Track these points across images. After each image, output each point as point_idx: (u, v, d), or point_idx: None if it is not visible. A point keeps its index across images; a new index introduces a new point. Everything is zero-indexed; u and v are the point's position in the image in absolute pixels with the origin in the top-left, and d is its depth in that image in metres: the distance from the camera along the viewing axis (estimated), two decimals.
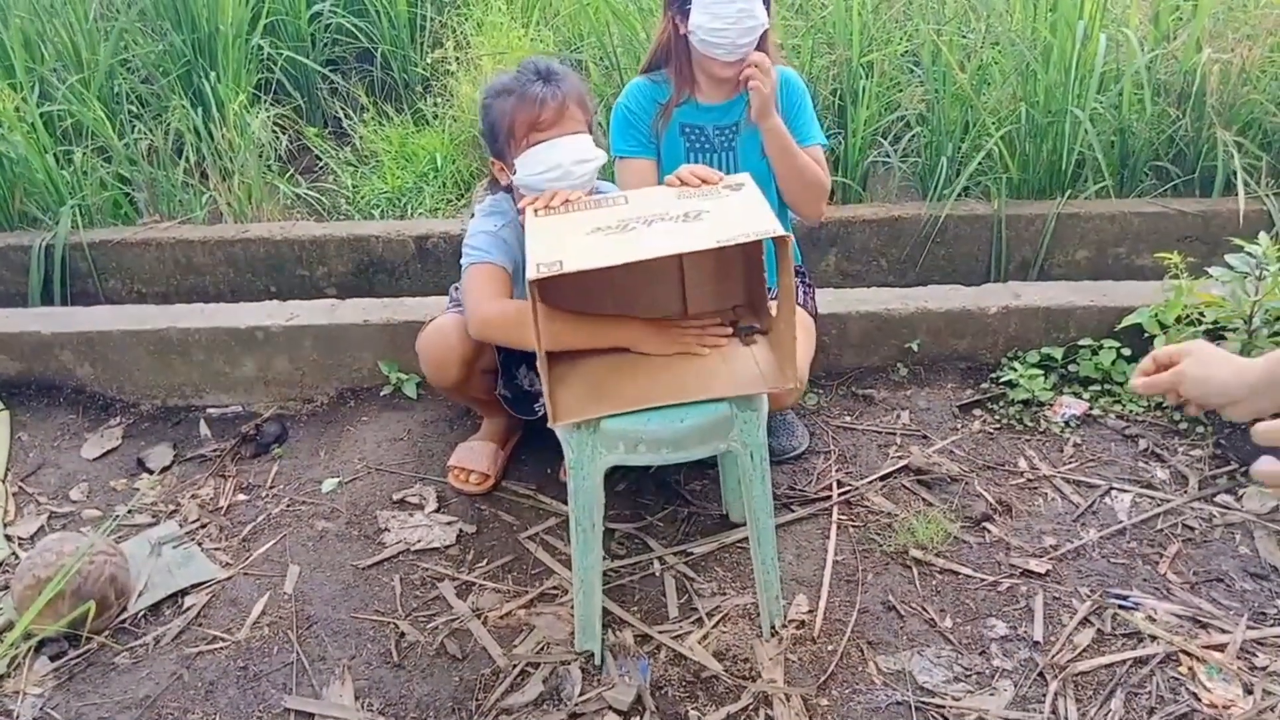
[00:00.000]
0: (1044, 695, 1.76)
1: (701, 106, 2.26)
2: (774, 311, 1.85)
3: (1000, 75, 3.27)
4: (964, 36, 3.40)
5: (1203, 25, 3.20)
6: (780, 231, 1.58)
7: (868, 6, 3.45)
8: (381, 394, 2.68)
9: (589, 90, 2.04)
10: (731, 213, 1.69)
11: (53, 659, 1.93)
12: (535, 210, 1.80)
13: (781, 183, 2.24)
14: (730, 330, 1.86)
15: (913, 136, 3.36)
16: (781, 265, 1.67)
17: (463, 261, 2.02)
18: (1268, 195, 3.00)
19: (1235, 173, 2.98)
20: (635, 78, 2.34)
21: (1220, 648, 1.83)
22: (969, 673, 1.82)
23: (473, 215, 2.16)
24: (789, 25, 3.50)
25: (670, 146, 2.29)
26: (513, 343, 1.98)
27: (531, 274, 1.51)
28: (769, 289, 2.22)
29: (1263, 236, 2.26)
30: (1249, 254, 2.25)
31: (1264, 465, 1.06)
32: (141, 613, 2.04)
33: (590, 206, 1.79)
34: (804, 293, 2.39)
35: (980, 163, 3.15)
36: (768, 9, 2.12)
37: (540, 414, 2.35)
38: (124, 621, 2.02)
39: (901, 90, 3.39)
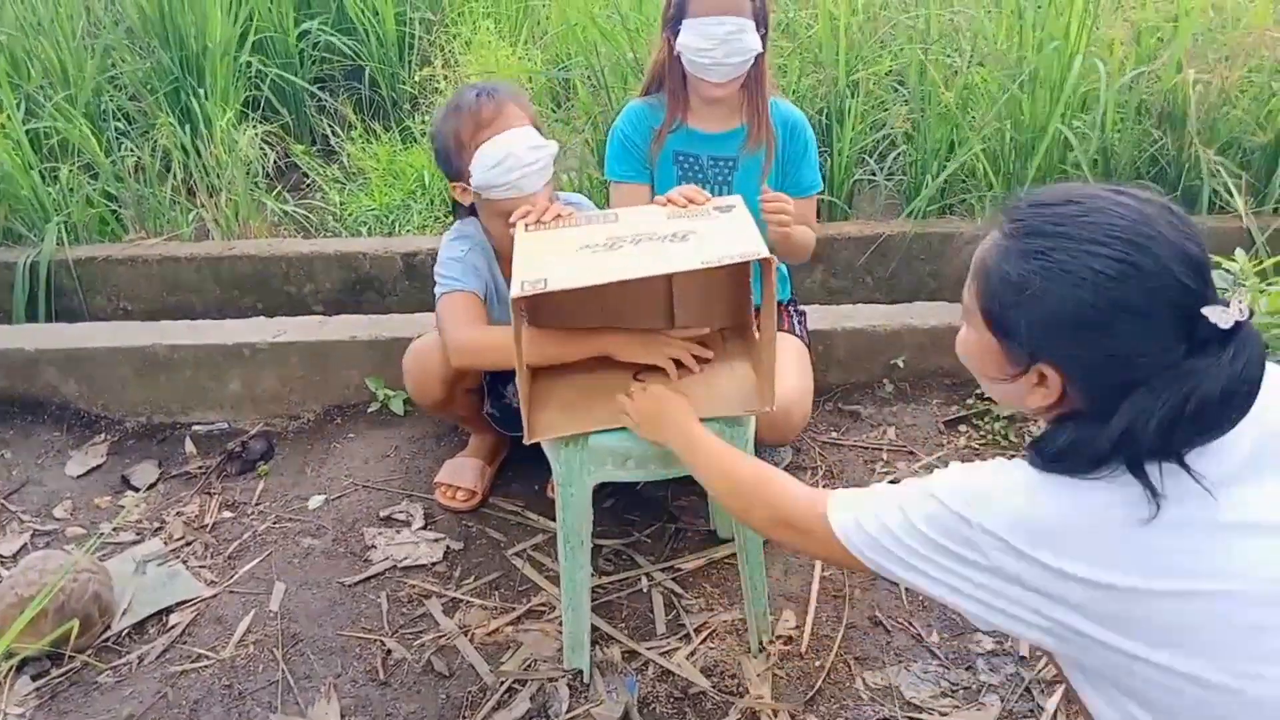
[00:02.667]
0: (1031, 710, 1.77)
1: (697, 134, 2.24)
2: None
3: (985, 95, 3.31)
4: (949, 56, 3.44)
5: (1184, 46, 3.24)
6: (765, 254, 1.58)
7: (854, 27, 3.48)
8: (368, 411, 2.67)
9: (528, 100, 2.09)
10: (719, 234, 1.69)
11: (35, 678, 1.91)
12: (526, 225, 1.80)
13: (775, 250, 2.27)
14: (712, 353, 1.85)
15: (898, 155, 3.39)
16: (764, 287, 1.68)
17: (436, 291, 2.04)
18: (1247, 213, 3.04)
19: (1216, 191, 3.02)
20: (633, 99, 2.34)
21: None
22: (956, 688, 1.82)
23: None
24: (775, 45, 3.52)
25: (663, 173, 2.27)
26: (489, 367, 2.04)
27: (516, 291, 1.51)
28: (783, 302, 2.23)
29: (1239, 253, 2.28)
30: (1226, 271, 2.27)
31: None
32: (125, 631, 2.02)
33: (579, 223, 1.79)
34: (797, 322, 2.38)
35: (965, 180, 3.17)
36: (763, 37, 2.11)
37: None
38: (107, 640, 2.00)
39: (887, 109, 3.42)
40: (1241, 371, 0.96)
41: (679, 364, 1.80)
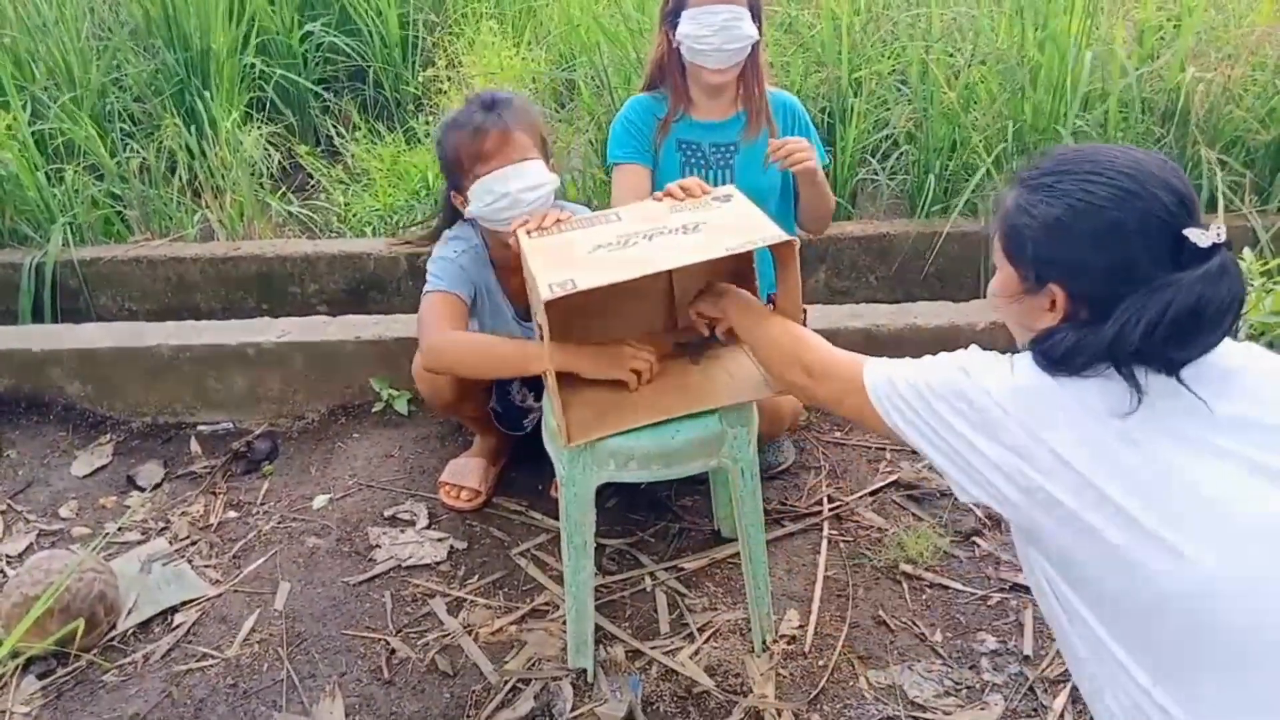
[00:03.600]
0: (1035, 709, 1.77)
1: (698, 123, 2.28)
2: None
3: (987, 94, 3.31)
4: (951, 55, 3.44)
5: (1186, 45, 3.24)
6: (787, 237, 1.61)
7: (856, 26, 3.48)
8: (373, 411, 2.68)
9: (538, 115, 2.05)
10: (732, 222, 1.70)
11: (40, 677, 1.92)
12: (528, 232, 1.79)
13: (804, 210, 2.33)
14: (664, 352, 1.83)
15: (901, 154, 3.39)
16: (788, 269, 1.69)
17: (430, 284, 2.02)
18: (1251, 212, 3.03)
19: (1219, 190, 3.02)
20: (636, 94, 2.37)
21: None
22: (959, 687, 1.82)
23: (434, 238, 2.15)
24: (778, 43, 3.53)
25: (666, 161, 2.30)
26: (458, 372, 2.00)
27: (546, 295, 1.49)
28: (773, 294, 2.24)
29: (1246, 252, 2.28)
30: None
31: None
32: (131, 630, 2.03)
33: (583, 225, 1.78)
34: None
35: (968, 179, 3.17)
36: (758, 25, 2.14)
37: (528, 429, 2.36)
38: (113, 639, 2.01)
39: (890, 109, 3.42)
40: (1215, 288, 1.08)
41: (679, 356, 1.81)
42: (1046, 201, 1.16)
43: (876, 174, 3.40)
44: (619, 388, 1.77)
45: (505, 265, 2.09)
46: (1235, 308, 1.10)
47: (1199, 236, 1.09)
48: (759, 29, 2.15)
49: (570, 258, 1.63)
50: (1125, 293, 1.10)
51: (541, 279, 1.54)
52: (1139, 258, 1.11)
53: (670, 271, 1.95)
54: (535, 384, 2.33)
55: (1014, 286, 1.23)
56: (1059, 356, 1.14)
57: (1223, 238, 1.10)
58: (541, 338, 1.63)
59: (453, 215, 2.13)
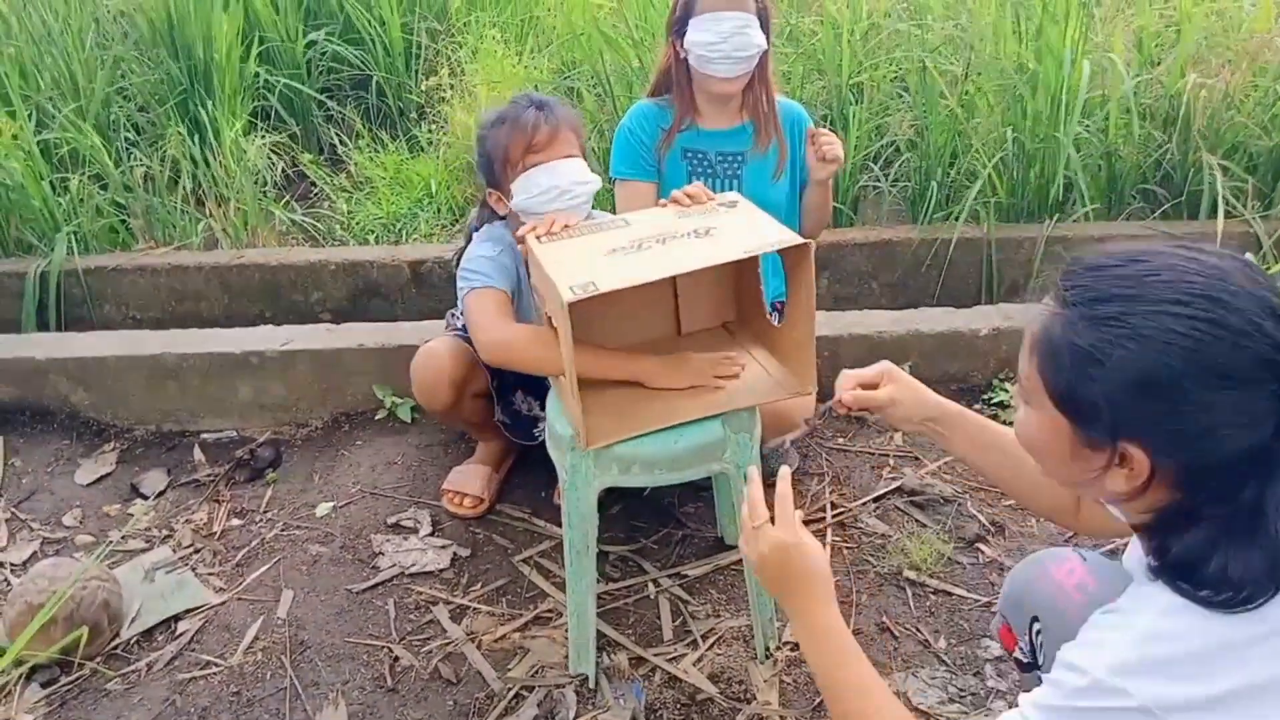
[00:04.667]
0: None
1: (704, 131, 2.28)
2: (775, 323, 1.87)
3: (987, 102, 3.31)
4: (951, 63, 3.44)
5: (1186, 51, 3.25)
6: (802, 240, 1.62)
7: (856, 34, 3.50)
8: (376, 418, 2.68)
9: (582, 121, 2.08)
10: (744, 226, 1.71)
11: (44, 685, 1.92)
12: (538, 237, 1.79)
13: (805, 213, 2.36)
14: (743, 364, 1.82)
15: (903, 161, 3.40)
16: (801, 274, 1.70)
17: (461, 286, 1.99)
18: (1254, 217, 3.04)
19: (1221, 195, 3.02)
20: (641, 100, 2.36)
21: None
22: (963, 694, 1.82)
23: (468, 241, 2.16)
24: (779, 52, 3.54)
25: (672, 171, 2.30)
26: (527, 367, 1.91)
27: (567, 297, 1.49)
28: (778, 300, 2.25)
29: (1248, 257, 2.28)
30: None
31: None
32: (134, 639, 2.03)
33: (591, 230, 1.78)
34: None
35: (969, 186, 3.18)
36: (767, 35, 2.14)
37: (540, 439, 2.35)
38: (117, 647, 2.01)
39: (890, 116, 3.43)
40: None
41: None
42: (1119, 342, 0.91)
43: (878, 181, 3.40)
44: (631, 393, 1.78)
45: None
46: None
47: None
48: (767, 38, 2.15)
49: (586, 261, 1.62)
50: (1227, 456, 0.90)
51: (561, 282, 1.53)
52: (1244, 409, 0.89)
53: (675, 279, 1.96)
54: (540, 392, 2.33)
55: (1071, 447, 1.00)
56: (1213, 586, 0.91)
57: None
58: (568, 339, 1.63)
59: (486, 217, 2.13)
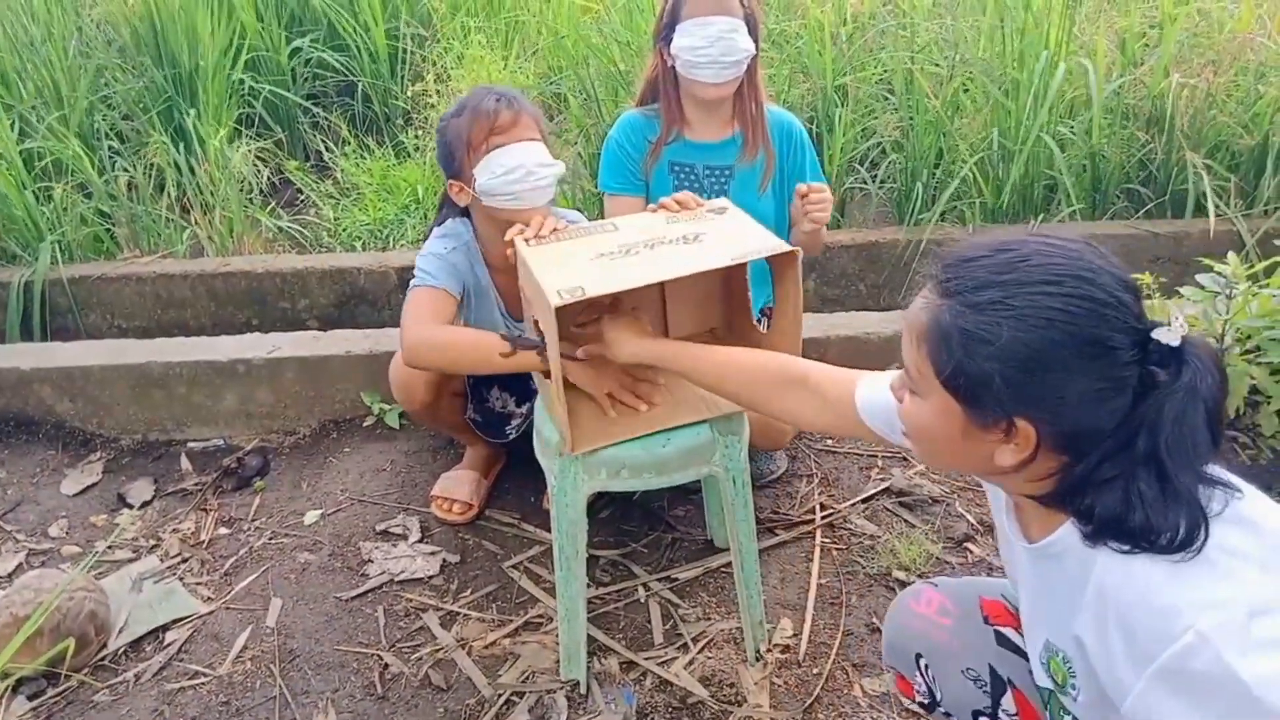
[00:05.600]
0: None
1: (692, 144, 2.25)
2: (763, 329, 1.88)
3: (972, 103, 3.33)
4: (936, 65, 3.46)
5: (1169, 51, 3.27)
6: (790, 248, 1.62)
7: (842, 36, 3.51)
8: (364, 425, 2.68)
9: (541, 112, 2.05)
10: (732, 232, 1.70)
11: (31, 698, 1.90)
12: (526, 240, 1.78)
13: (794, 241, 2.31)
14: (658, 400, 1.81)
15: (889, 163, 3.41)
16: (789, 281, 1.70)
17: (417, 278, 2.00)
18: (1237, 216, 3.06)
19: (1205, 194, 3.04)
20: (628, 109, 2.34)
21: None
22: None
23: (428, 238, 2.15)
24: (763, 55, 3.55)
25: (658, 185, 2.28)
26: (439, 367, 1.97)
27: (556, 301, 1.49)
28: (767, 306, 2.24)
29: (1231, 256, 2.30)
30: (1219, 274, 2.29)
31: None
32: (122, 649, 2.02)
33: (579, 234, 1.78)
34: None
35: (955, 187, 3.19)
36: (755, 40, 2.12)
37: (512, 436, 2.35)
38: (104, 659, 2.00)
39: (876, 118, 3.44)
40: (1208, 385, 0.97)
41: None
42: (1007, 325, 0.98)
43: (865, 182, 3.41)
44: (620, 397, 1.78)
45: (498, 265, 2.08)
46: (1219, 397, 0.99)
47: (1168, 335, 0.97)
48: (756, 44, 2.13)
49: (574, 265, 1.62)
50: (1102, 417, 0.98)
51: (549, 286, 1.53)
52: (1115, 373, 0.97)
53: (662, 284, 1.96)
54: (515, 389, 2.32)
55: (962, 428, 1.05)
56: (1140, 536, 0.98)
57: (1185, 327, 0.98)
58: (541, 342, 1.63)
59: (447, 213, 2.12)
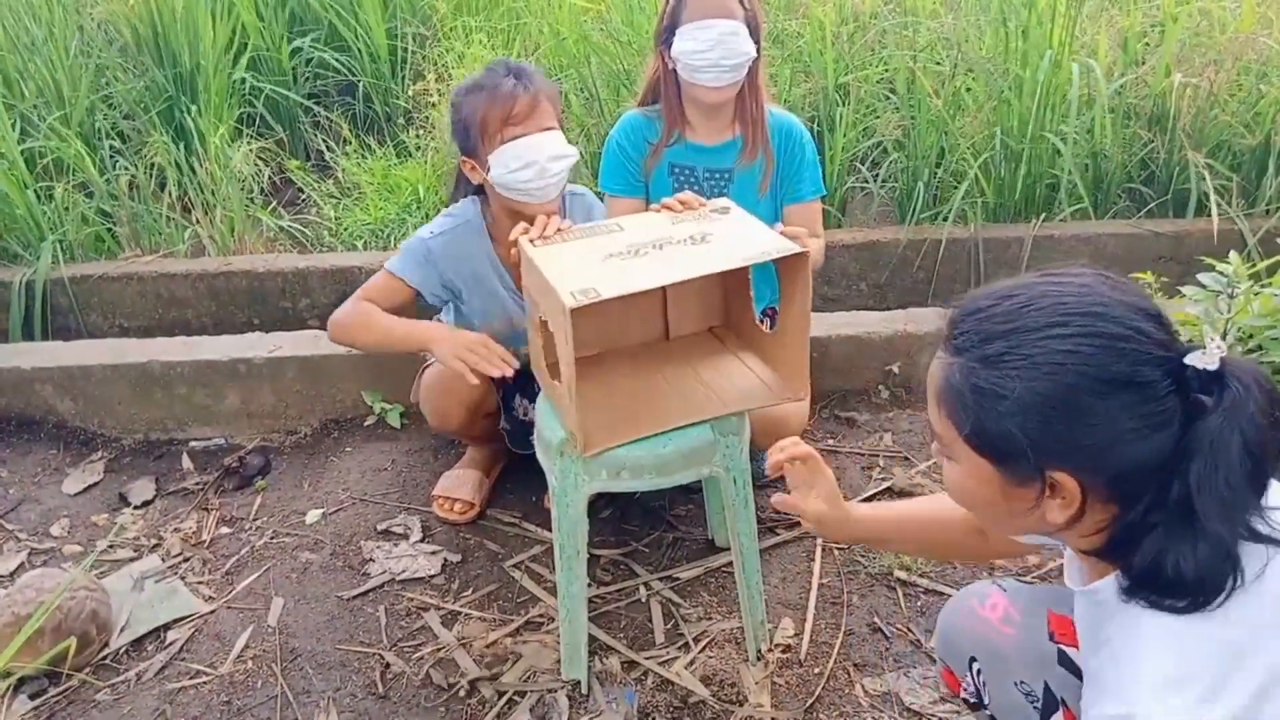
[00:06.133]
0: None
1: (693, 145, 2.24)
2: (766, 329, 1.87)
3: (974, 102, 3.33)
4: (938, 64, 3.45)
5: (1171, 50, 3.27)
6: (799, 249, 1.62)
7: (843, 35, 3.50)
8: (365, 424, 2.68)
9: (558, 90, 2.04)
10: (740, 233, 1.71)
11: (32, 697, 1.91)
12: (532, 241, 1.78)
13: None
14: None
15: (890, 162, 3.41)
16: (797, 282, 1.71)
17: (390, 260, 2.08)
18: (1239, 215, 3.05)
19: (1207, 194, 3.04)
20: (630, 109, 2.34)
21: None
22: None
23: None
24: (764, 55, 3.54)
25: (658, 187, 2.27)
26: (356, 346, 2.12)
27: (570, 302, 1.48)
28: (769, 307, 2.24)
29: (1233, 255, 2.29)
30: (1220, 273, 2.28)
31: (777, 498, 1.46)
32: (123, 649, 2.02)
33: (585, 234, 1.78)
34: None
35: (957, 187, 3.19)
36: (756, 42, 2.11)
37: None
38: (105, 658, 2.00)
39: (878, 117, 3.44)
40: (1260, 404, 0.90)
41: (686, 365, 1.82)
42: (1015, 375, 0.94)
43: (866, 182, 3.41)
44: (623, 398, 1.78)
45: (504, 241, 2.05)
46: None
47: (1204, 359, 0.90)
48: (757, 47, 2.12)
49: (585, 266, 1.61)
50: (1149, 455, 0.91)
51: (561, 287, 1.52)
52: (1149, 408, 0.91)
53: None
54: (533, 394, 2.32)
55: (1002, 490, 1.00)
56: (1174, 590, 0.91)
57: (1224, 349, 0.91)
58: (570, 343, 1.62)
59: (462, 190, 2.13)
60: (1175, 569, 0.91)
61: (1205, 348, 0.91)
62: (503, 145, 1.91)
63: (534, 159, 1.90)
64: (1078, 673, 1.26)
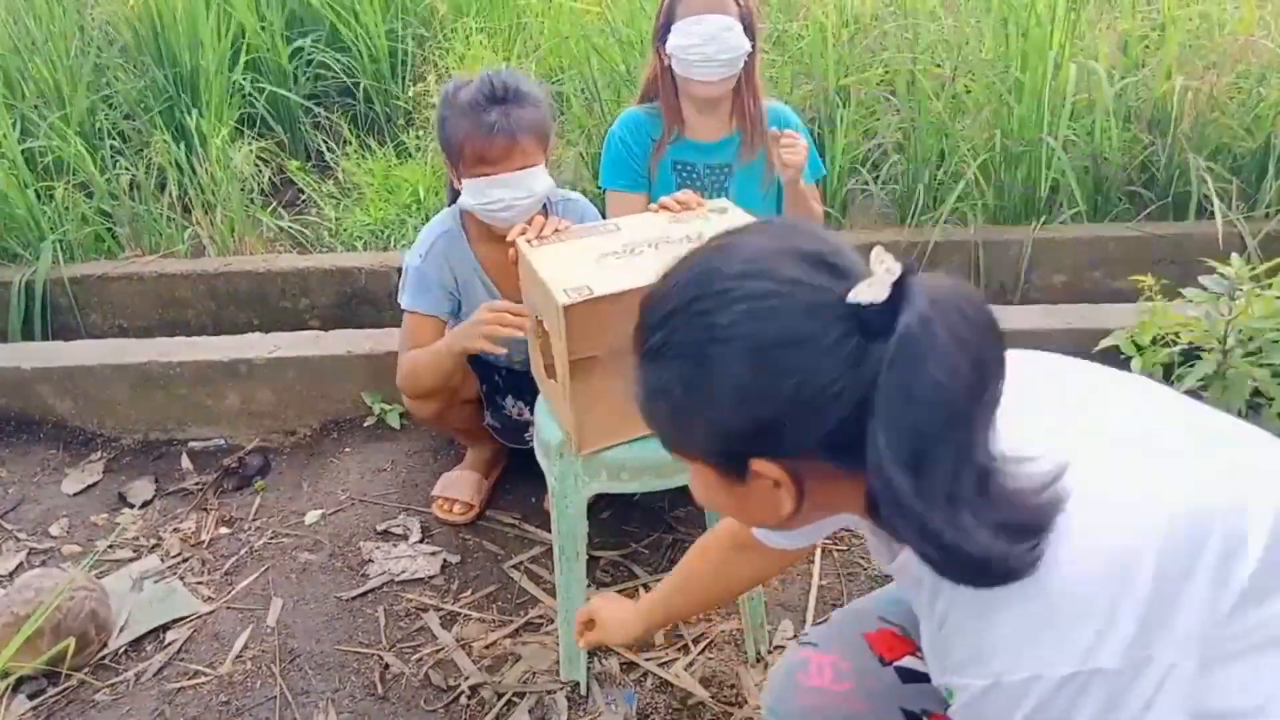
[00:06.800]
0: None
1: (692, 143, 2.26)
2: None
3: (974, 104, 3.33)
4: (938, 66, 3.46)
5: (1171, 53, 3.27)
6: None
7: (844, 36, 3.51)
8: (365, 425, 2.67)
9: (548, 113, 1.98)
10: None
11: (31, 697, 1.90)
12: (529, 241, 1.78)
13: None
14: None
15: (891, 164, 3.41)
16: None
17: (402, 284, 2.09)
18: (1239, 218, 3.05)
19: (1207, 196, 3.04)
20: (630, 106, 2.34)
21: None
22: None
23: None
24: (765, 56, 3.55)
25: (662, 183, 2.28)
26: (427, 387, 2.10)
27: (563, 300, 1.48)
28: None
29: (1235, 258, 2.30)
30: (1222, 275, 2.28)
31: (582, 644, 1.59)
32: (122, 649, 2.02)
33: (582, 234, 1.78)
34: None
35: (957, 188, 3.19)
36: (751, 38, 2.12)
37: (530, 444, 2.35)
38: (104, 658, 1.99)
39: (879, 119, 3.44)
40: (959, 325, 0.77)
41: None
42: (673, 368, 0.83)
43: (867, 184, 3.41)
44: (624, 398, 1.76)
45: (480, 238, 2.09)
46: (986, 322, 0.80)
47: (866, 292, 0.76)
48: (752, 42, 2.13)
49: (580, 265, 1.61)
50: (842, 418, 0.78)
51: (555, 286, 1.53)
52: (826, 363, 0.77)
53: None
54: (529, 396, 2.32)
55: (719, 483, 0.90)
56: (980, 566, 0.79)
57: (897, 269, 0.76)
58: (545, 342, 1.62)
59: (454, 193, 2.14)
60: (925, 540, 0.79)
61: (872, 277, 0.77)
62: (474, 179, 1.91)
63: (501, 197, 1.90)
64: (923, 676, 1.17)
